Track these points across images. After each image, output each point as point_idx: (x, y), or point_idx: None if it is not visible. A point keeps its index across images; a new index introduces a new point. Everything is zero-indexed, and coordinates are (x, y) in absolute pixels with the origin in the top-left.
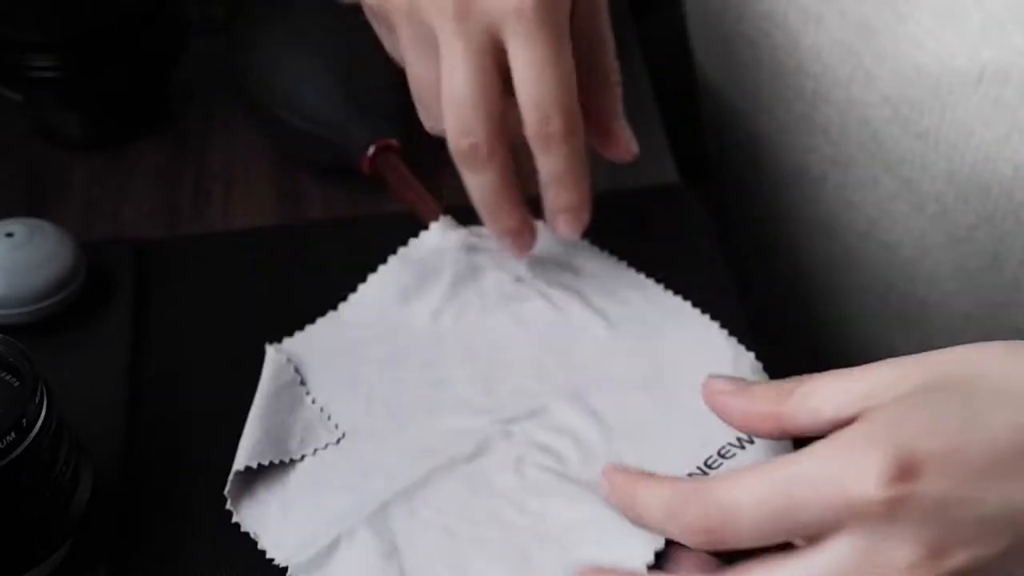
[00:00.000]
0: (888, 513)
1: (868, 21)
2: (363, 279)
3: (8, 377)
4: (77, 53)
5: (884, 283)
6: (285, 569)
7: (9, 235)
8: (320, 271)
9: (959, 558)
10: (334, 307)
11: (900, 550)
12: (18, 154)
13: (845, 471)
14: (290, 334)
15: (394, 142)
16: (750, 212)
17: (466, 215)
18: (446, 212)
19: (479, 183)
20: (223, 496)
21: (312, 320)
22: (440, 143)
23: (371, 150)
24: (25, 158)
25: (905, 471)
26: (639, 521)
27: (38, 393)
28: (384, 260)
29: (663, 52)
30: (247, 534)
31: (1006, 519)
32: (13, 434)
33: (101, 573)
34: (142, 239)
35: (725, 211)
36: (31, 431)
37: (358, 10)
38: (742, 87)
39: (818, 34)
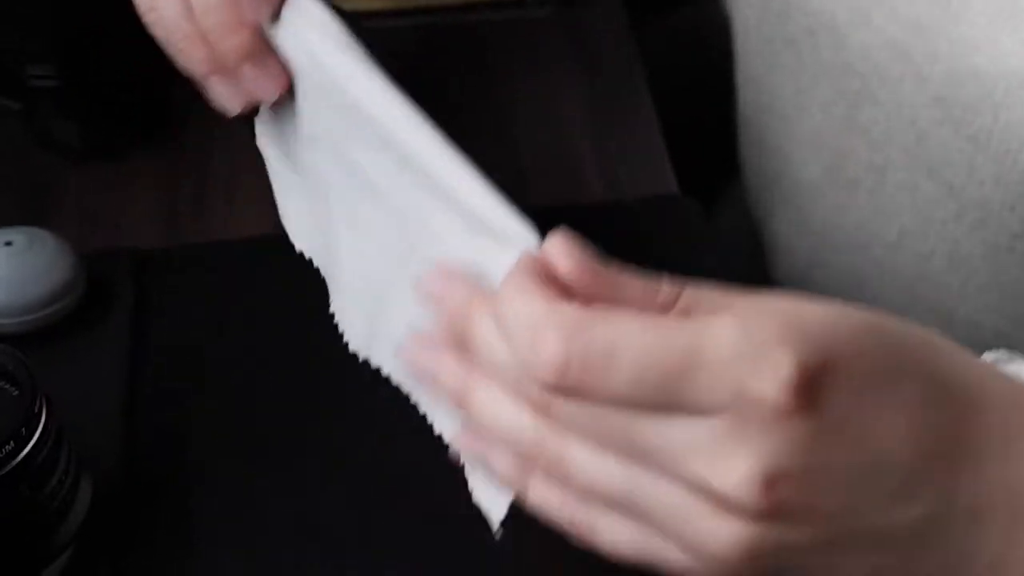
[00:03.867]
0: (776, 418)
1: (920, 20)
2: None
3: (7, 386)
4: (76, 62)
5: (911, 295)
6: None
7: (8, 244)
8: (321, 281)
9: (791, 498)
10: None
11: (746, 461)
12: (17, 163)
13: (754, 357)
14: (290, 343)
15: None
16: (774, 222)
17: None
18: None
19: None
20: (222, 505)
21: (313, 329)
22: None
23: None
24: (24, 167)
25: (824, 371)
26: (476, 356)
27: (37, 403)
28: None
29: (663, 60)
30: (246, 543)
31: (914, 480)
32: (12, 443)
33: None
34: (142, 248)
35: (746, 220)
36: (30, 441)
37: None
38: (780, 91)
39: (867, 34)
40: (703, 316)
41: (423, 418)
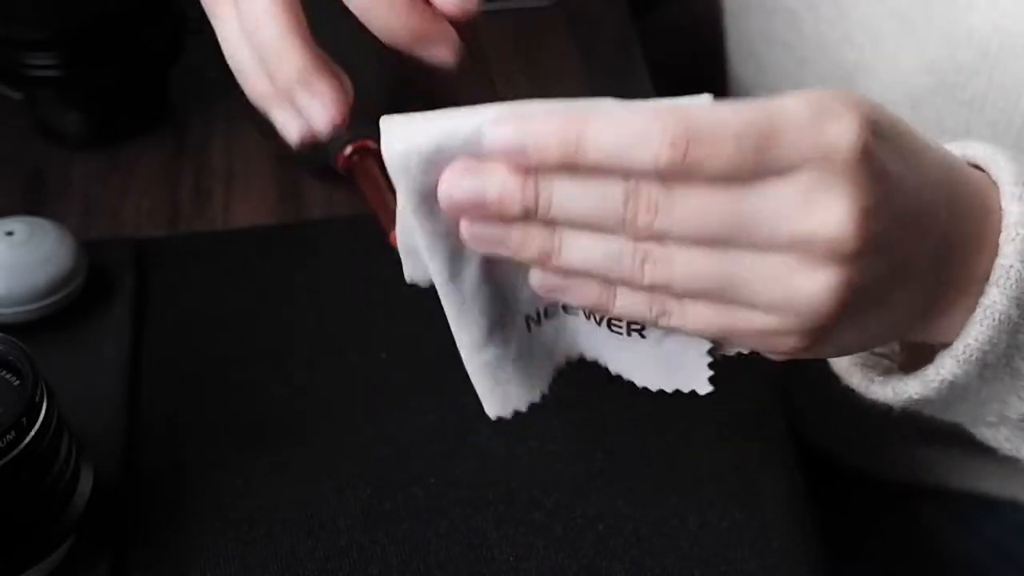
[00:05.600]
0: (855, 160)
1: None
2: (364, 278)
3: (8, 376)
4: (77, 51)
5: None
6: (275, 569)
7: (9, 234)
8: (320, 270)
9: (878, 230)
10: (333, 306)
11: (839, 203)
12: (18, 152)
13: (824, 115)
14: (290, 333)
15: (372, 144)
16: None
17: None
18: None
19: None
20: (222, 493)
21: (313, 318)
22: None
23: (348, 149)
24: (25, 156)
25: (874, 128)
26: (585, 161)
27: (38, 392)
28: (385, 259)
29: (664, 46)
30: (247, 531)
31: (930, 219)
32: (13, 433)
33: (102, 571)
34: (143, 237)
35: None
36: (31, 430)
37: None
38: (778, 66)
39: (870, 3)
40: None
41: (423, 405)
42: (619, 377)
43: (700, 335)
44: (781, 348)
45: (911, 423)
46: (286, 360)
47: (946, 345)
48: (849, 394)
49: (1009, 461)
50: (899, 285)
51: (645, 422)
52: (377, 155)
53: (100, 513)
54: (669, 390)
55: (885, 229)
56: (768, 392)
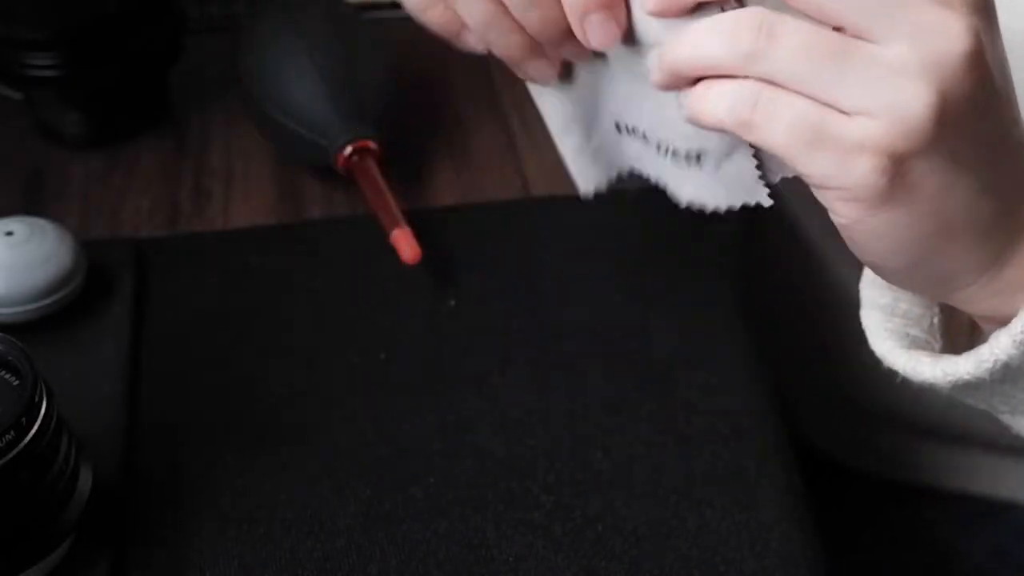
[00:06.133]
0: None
1: None
2: (363, 278)
3: (7, 376)
4: (77, 51)
5: None
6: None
7: (9, 234)
8: (320, 270)
9: (987, 56)
10: (333, 306)
11: (962, 14)
12: (18, 152)
13: None
14: (290, 334)
15: (372, 144)
16: (780, 216)
17: (427, 222)
18: (408, 222)
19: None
20: (221, 493)
21: (312, 317)
22: (419, 148)
23: (348, 150)
24: (25, 156)
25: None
26: None
27: (37, 392)
28: (385, 259)
29: None
30: (246, 532)
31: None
32: (12, 433)
33: (102, 571)
34: (142, 238)
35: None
36: (30, 430)
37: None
38: None
39: None
40: None
41: (423, 405)
42: (620, 369)
43: (780, 140)
44: (858, 174)
45: (910, 423)
46: (286, 360)
47: (1003, 323)
48: (847, 393)
49: (1007, 462)
50: (983, 160)
51: (645, 422)
52: (377, 155)
53: (99, 513)
54: (737, 206)
55: (991, 69)
56: (766, 392)
